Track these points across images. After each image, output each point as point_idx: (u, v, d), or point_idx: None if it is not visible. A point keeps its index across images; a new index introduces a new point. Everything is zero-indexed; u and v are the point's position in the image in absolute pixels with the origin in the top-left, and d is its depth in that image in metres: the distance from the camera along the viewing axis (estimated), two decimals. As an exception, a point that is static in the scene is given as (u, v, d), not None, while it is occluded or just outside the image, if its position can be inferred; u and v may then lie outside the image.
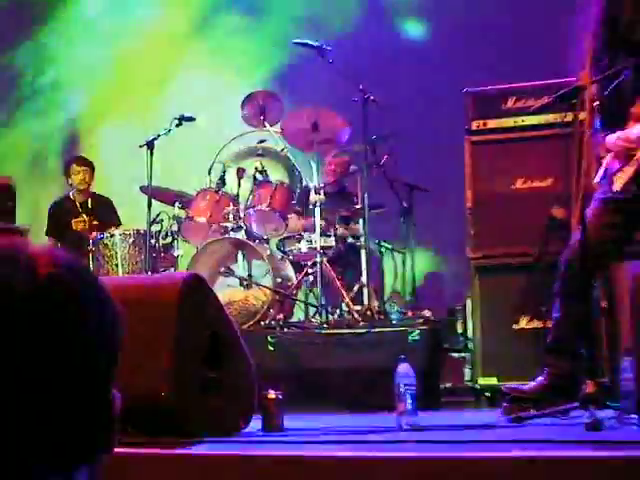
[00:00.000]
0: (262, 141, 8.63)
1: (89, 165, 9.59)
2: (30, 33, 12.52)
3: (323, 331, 7.14)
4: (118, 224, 9.36)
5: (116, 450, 1.41)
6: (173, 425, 4.01)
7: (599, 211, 5.16)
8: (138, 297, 4.13)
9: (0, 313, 1.26)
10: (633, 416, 3.89)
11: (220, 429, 4.25)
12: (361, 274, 7.98)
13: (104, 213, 9.48)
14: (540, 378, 5.21)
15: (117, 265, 8.52)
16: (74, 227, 9.31)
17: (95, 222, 9.27)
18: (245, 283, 8.15)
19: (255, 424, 4.53)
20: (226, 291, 7.93)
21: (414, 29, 11.50)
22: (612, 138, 5.10)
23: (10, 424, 1.26)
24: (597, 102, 5.03)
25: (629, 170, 5.02)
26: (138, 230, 8.64)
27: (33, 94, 12.65)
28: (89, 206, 9.46)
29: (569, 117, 4.77)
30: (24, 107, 12.68)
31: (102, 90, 12.27)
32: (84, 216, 9.35)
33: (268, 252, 8.05)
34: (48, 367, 1.28)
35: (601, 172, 5.18)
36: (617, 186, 5.08)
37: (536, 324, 6.78)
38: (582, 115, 4.66)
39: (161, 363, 4.05)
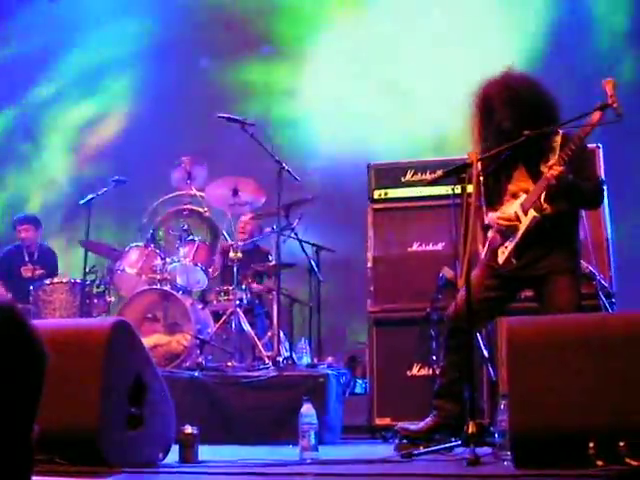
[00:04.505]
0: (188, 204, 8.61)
1: (30, 223, 9.54)
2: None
3: (237, 373, 7.08)
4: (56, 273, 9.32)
5: (41, 478, 1.36)
6: (97, 456, 3.92)
7: (483, 275, 5.22)
8: (71, 338, 4.10)
9: None
10: (507, 453, 3.91)
11: (141, 460, 4.18)
12: (272, 324, 7.94)
13: (48, 263, 9.44)
14: (428, 419, 5.22)
15: (55, 309, 8.41)
16: (23, 274, 9.30)
17: (40, 271, 9.18)
18: (169, 329, 8.08)
19: (173, 456, 4.47)
20: (152, 336, 7.86)
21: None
22: (494, 216, 5.17)
23: None
24: (482, 177, 5.11)
25: (510, 245, 5.09)
26: (75, 279, 8.54)
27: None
28: (35, 257, 9.40)
29: (458, 189, 4.80)
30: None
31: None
32: (30, 265, 9.26)
33: (190, 302, 8.00)
34: None
35: (486, 247, 5.25)
36: (500, 260, 5.14)
37: (427, 371, 6.80)
38: (469, 188, 4.71)
39: (88, 398, 3.97)
